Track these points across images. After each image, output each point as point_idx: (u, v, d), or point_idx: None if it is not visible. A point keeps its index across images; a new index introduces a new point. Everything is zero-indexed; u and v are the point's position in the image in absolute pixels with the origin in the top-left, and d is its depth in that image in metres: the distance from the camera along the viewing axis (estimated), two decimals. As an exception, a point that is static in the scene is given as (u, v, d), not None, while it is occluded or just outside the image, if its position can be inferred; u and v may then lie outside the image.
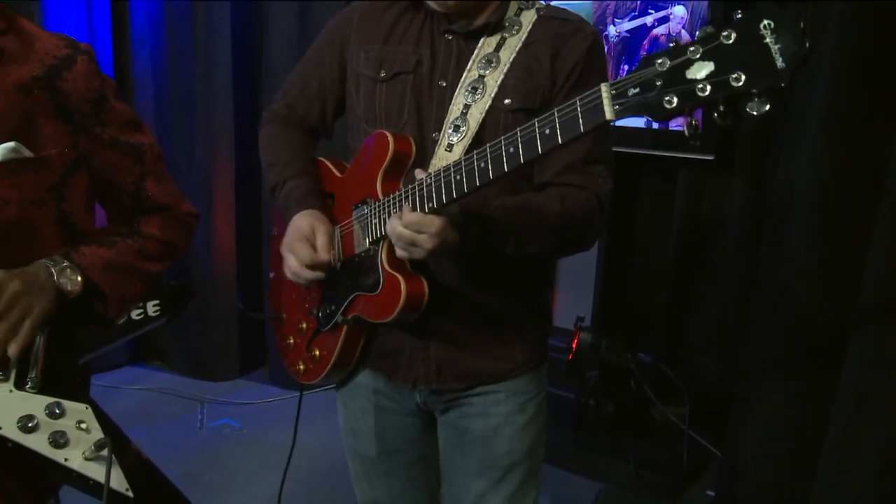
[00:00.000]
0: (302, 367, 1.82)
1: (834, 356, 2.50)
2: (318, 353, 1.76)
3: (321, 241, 1.61)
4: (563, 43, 1.58)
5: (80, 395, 1.43)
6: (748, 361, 2.91)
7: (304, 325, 1.82)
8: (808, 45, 1.01)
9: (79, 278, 1.45)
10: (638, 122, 3.33)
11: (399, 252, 1.47)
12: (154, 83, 4.18)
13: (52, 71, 1.45)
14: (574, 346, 3.35)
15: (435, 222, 1.39)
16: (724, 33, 1.06)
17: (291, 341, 1.87)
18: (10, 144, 1.39)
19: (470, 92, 1.57)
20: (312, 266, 1.60)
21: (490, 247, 1.52)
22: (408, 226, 1.40)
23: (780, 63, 1.02)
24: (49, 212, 1.48)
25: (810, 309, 2.61)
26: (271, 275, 2.01)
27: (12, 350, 1.35)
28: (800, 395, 2.67)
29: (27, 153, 1.41)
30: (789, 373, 2.71)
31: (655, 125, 3.30)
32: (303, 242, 1.61)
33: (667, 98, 1.11)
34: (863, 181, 2.44)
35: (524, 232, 1.53)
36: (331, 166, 1.80)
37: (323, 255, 1.59)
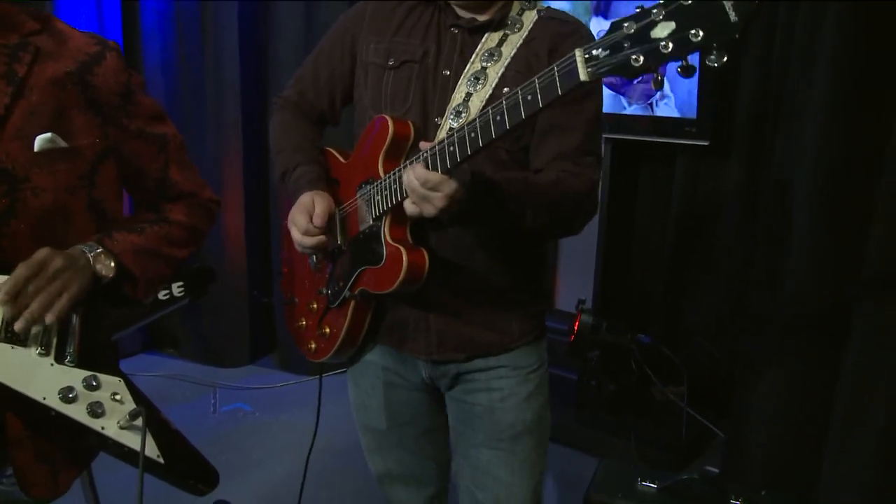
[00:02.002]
0: (313, 345, 1.91)
1: (834, 334, 2.60)
2: (328, 330, 1.86)
3: (319, 209, 1.71)
4: (561, 41, 1.68)
5: (114, 370, 1.54)
6: (748, 341, 3.00)
7: (315, 306, 1.91)
8: (757, 0, 1.12)
9: (112, 263, 1.55)
10: (637, 109, 3.42)
11: (410, 208, 1.53)
12: (164, 78, 4.27)
13: (83, 67, 1.55)
14: (576, 327, 3.41)
15: (451, 184, 1.46)
16: None
17: (303, 322, 1.96)
18: (47, 135, 1.49)
19: (472, 81, 1.67)
20: (308, 232, 1.71)
21: (492, 213, 1.60)
22: (424, 183, 1.47)
23: (732, 17, 1.12)
24: (81, 199, 1.58)
25: (809, 288, 2.69)
26: (285, 270, 2.11)
27: (48, 318, 1.43)
28: (801, 373, 2.76)
29: (62, 143, 1.51)
30: (790, 351, 2.79)
31: (654, 112, 3.39)
32: (302, 214, 1.72)
33: (633, 57, 1.20)
34: (862, 162, 2.53)
35: (524, 201, 1.60)
36: (336, 154, 1.90)
37: (318, 220, 1.70)
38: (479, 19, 1.71)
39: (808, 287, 2.70)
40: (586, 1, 3.49)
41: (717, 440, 3.45)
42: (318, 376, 2.10)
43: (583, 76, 1.25)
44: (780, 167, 2.81)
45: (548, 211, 1.64)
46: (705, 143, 3.29)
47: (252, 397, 4.02)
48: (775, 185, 2.84)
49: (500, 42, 1.70)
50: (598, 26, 3.42)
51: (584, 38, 1.71)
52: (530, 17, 1.72)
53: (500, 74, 1.66)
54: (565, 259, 3.79)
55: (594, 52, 1.24)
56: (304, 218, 1.71)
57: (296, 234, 1.74)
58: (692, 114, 3.27)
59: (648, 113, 3.40)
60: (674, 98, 3.30)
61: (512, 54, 1.68)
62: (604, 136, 3.27)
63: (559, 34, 1.70)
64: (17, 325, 1.42)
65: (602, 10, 3.45)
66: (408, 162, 1.59)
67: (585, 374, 3.53)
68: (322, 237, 1.73)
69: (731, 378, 3.22)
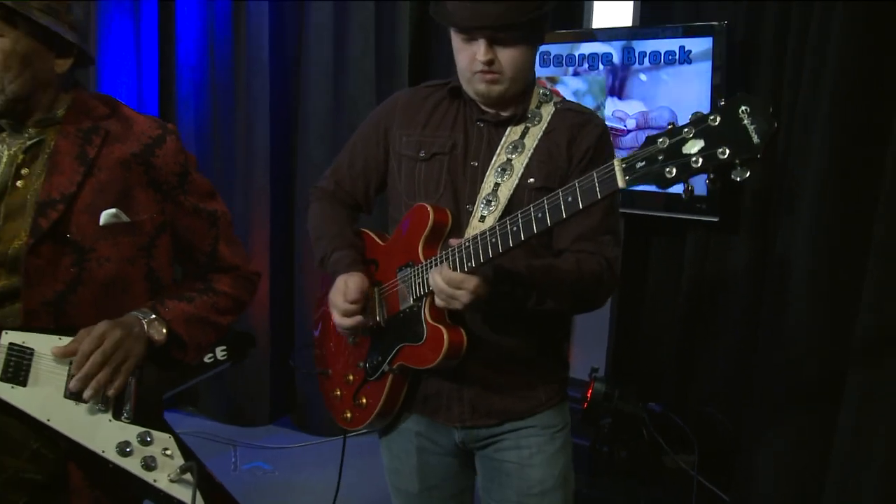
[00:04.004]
0: (349, 414, 2.02)
1: (832, 401, 2.73)
2: (364, 401, 1.97)
3: (351, 286, 1.85)
4: (577, 131, 1.85)
5: (164, 426, 1.68)
6: (752, 409, 3.11)
7: (351, 377, 2.02)
8: (776, 124, 1.28)
9: (164, 330, 1.70)
10: (650, 187, 3.56)
11: (439, 302, 1.70)
12: (196, 145, 4.43)
13: (147, 149, 1.71)
14: (589, 395, 3.48)
15: (472, 281, 1.64)
16: (712, 117, 1.32)
17: (339, 393, 2.07)
18: (112, 211, 1.66)
19: (500, 173, 1.83)
20: (347, 312, 1.85)
21: (514, 302, 1.76)
22: (449, 282, 1.64)
23: (755, 139, 1.28)
24: (140, 269, 1.73)
25: (805, 359, 2.85)
26: (316, 333, 2.23)
27: (111, 391, 1.60)
28: (801, 438, 2.89)
29: (125, 218, 1.68)
30: (790, 418, 2.92)
31: (665, 189, 3.53)
32: (337, 295, 1.87)
33: (667, 169, 1.37)
34: (854, 240, 2.71)
35: (544, 289, 1.77)
36: (374, 236, 2.04)
37: (351, 295, 1.84)
38: (503, 114, 1.87)
39: (804, 358, 2.86)
40: (600, 76, 3.67)
41: (726, 507, 3.51)
42: (338, 437, 2.18)
43: (621, 184, 1.42)
44: (781, 244, 2.98)
45: (567, 294, 1.80)
46: (715, 220, 3.41)
47: (271, 456, 4.11)
48: (776, 260, 3.01)
49: (523, 134, 1.86)
50: (613, 106, 3.60)
51: (598, 126, 1.89)
52: (548, 110, 1.88)
53: (524, 165, 1.82)
54: (579, 329, 3.88)
55: (632, 162, 1.40)
56: (341, 298, 1.85)
57: (336, 317, 1.88)
58: (702, 191, 3.40)
59: (660, 190, 3.53)
60: (685, 176, 3.43)
61: (534, 146, 1.84)
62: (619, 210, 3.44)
63: (575, 125, 1.87)
64: (87, 394, 1.57)
65: (616, 91, 3.62)
66: (436, 258, 1.74)
67: (598, 441, 3.58)
68: (360, 318, 1.86)
69: (738, 444, 3.31)
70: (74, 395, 1.59)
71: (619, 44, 3.56)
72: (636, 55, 3.52)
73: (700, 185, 1.42)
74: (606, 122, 3.42)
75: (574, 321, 3.96)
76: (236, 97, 4.34)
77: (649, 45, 3.47)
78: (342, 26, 4.12)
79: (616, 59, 3.59)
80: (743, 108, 1.29)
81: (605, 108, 3.63)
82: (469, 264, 1.65)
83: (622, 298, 3.83)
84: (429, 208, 1.81)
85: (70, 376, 1.58)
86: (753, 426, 3.11)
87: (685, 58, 3.37)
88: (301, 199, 4.33)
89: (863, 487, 2.57)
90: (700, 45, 3.31)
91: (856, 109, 2.69)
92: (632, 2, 3.78)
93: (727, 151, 1.29)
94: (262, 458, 4.06)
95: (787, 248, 2.96)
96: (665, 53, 3.42)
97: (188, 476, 1.61)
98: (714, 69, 3.29)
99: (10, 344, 1.56)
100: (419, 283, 1.79)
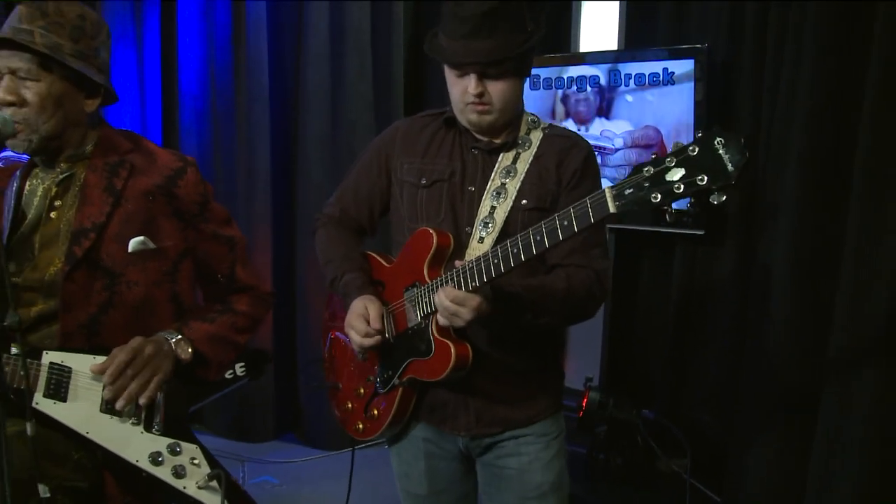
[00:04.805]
0: (361, 426, 2.14)
1: (815, 405, 2.88)
2: (376, 412, 2.09)
3: (373, 314, 1.98)
4: (565, 155, 1.99)
5: (191, 437, 1.81)
6: (741, 413, 3.25)
7: (363, 391, 2.14)
8: (748, 154, 1.42)
9: (190, 349, 1.83)
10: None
11: (442, 320, 1.83)
12: (199, 171, 4.55)
13: (169, 181, 1.85)
14: (584, 404, 3.57)
15: (475, 299, 1.77)
16: (690, 148, 1.47)
17: (350, 405, 2.19)
18: (140, 238, 1.80)
19: (495, 196, 1.97)
20: (368, 334, 1.97)
21: (512, 318, 1.89)
22: (452, 300, 1.77)
23: (730, 168, 1.43)
24: (165, 292, 1.87)
25: (791, 366, 2.99)
26: (324, 349, 2.34)
27: (142, 400, 1.73)
28: (789, 441, 3.04)
29: (151, 245, 1.81)
30: (778, 422, 3.06)
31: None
32: (359, 319, 1.98)
33: (653, 195, 1.50)
34: (833, 249, 2.86)
35: (539, 306, 1.90)
36: (379, 259, 2.17)
37: (375, 324, 1.96)
38: (496, 142, 2.02)
39: (788, 364, 3.02)
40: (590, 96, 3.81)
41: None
42: (342, 451, 2.28)
43: (612, 209, 1.56)
44: (763, 255, 3.15)
45: (560, 309, 1.93)
46: (701, 233, 3.56)
47: (278, 471, 4.20)
48: (759, 270, 3.18)
49: (515, 159, 2.00)
50: (601, 126, 3.75)
51: (584, 149, 2.03)
52: (537, 136, 2.03)
53: (517, 189, 1.96)
54: (574, 340, 3.99)
55: (621, 189, 1.54)
56: (362, 323, 1.97)
57: (356, 338, 1.99)
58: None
59: (647, 212, 3.67)
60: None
61: (526, 170, 1.98)
62: (610, 226, 3.59)
63: (563, 149, 2.01)
64: (119, 405, 1.70)
65: (604, 112, 3.77)
66: (442, 277, 1.87)
67: (594, 449, 3.68)
68: (380, 337, 1.97)
69: (729, 448, 3.44)
70: (109, 408, 1.72)
71: (605, 66, 3.71)
72: (622, 77, 3.66)
73: (683, 202, 1.55)
74: (594, 142, 3.62)
75: (568, 333, 4.09)
76: (237, 123, 4.46)
77: (634, 68, 3.62)
78: (339, 51, 4.25)
79: (603, 81, 3.73)
80: (718, 140, 1.44)
81: (593, 128, 3.78)
82: (473, 283, 1.78)
83: (614, 310, 3.95)
84: (432, 232, 1.94)
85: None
86: (743, 430, 3.24)
87: (669, 79, 3.52)
88: (302, 220, 4.46)
89: (841, 490, 2.71)
90: (683, 67, 3.47)
91: (833, 116, 2.86)
92: (617, 26, 3.93)
93: (705, 179, 1.44)
94: (269, 473, 4.16)
95: (768, 259, 3.12)
96: (650, 75, 3.57)
97: (214, 483, 1.74)
98: (696, 89, 3.45)
99: (51, 363, 1.69)
100: (426, 302, 1.92)
